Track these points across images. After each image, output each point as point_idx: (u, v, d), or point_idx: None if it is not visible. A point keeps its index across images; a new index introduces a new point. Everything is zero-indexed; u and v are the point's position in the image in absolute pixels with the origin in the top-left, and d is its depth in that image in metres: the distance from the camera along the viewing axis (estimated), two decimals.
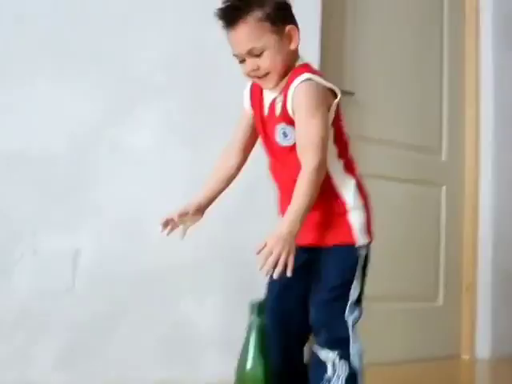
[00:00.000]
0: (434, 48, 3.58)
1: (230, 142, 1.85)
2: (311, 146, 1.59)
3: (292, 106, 1.65)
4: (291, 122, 1.66)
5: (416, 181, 3.40)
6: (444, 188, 3.59)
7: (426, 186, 3.48)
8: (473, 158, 3.62)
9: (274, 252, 1.48)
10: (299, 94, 1.63)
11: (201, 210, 1.79)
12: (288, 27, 1.68)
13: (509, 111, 3.58)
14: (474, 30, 3.62)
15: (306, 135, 1.61)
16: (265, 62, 1.67)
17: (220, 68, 2.51)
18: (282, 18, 1.68)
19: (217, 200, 1.81)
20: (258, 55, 1.66)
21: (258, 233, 1.61)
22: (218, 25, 1.66)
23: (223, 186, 1.82)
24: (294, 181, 1.58)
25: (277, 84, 1.68)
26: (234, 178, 1.82)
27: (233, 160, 1.83)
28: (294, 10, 1.72)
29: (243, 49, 1.67)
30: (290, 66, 1.68)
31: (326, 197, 1.65)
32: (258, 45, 1.65)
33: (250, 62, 1.67)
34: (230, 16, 1.66)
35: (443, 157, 3.62)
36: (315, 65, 1.96)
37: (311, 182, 1.57)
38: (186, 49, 2.67)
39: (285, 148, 1.69)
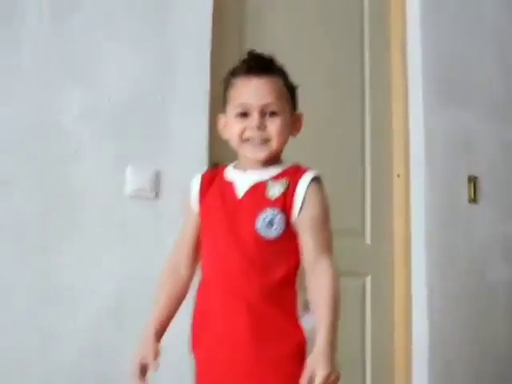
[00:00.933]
0: (354, 101, 3.12)
1: (175, 249, 1.72)
2: (328, 252, 1.56)
3: (303, 200, 1.58)
4: (287, 213, 1.57)
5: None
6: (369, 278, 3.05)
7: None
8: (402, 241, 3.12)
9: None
10: (317, 193, 1.60)
11: (158, 344, 1.66)
12: (299, 113, 1.69)
13: (441, 181, 3.14)
14: (402, 89, 3.21)
15: (323, 240, 1.57)
16: (274, 126, 1.63)
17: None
18: (296, 99, 1.69)
19: None
20: (271, 114, 1.62)
21: None
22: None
23: (175, 308, 1.69)
24: (248, 282, 1.54)
25: (266, 159, 1.63)
26: (186, 294, 1.69)
27: (183, 271, 1.70)
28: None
29: (261, 100, 1.62)
30: (279, 153, 1.65)
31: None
32: (277, 103, 1.62)
33: (258, 119, 1.61)
34: (264, 64, 1.64)
35: (367, 240, 3.09)
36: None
37: (336, 288, 1.53)
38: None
39: (260, 240, 1.57)
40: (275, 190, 1.60)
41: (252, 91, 1.62)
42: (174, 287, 1.68)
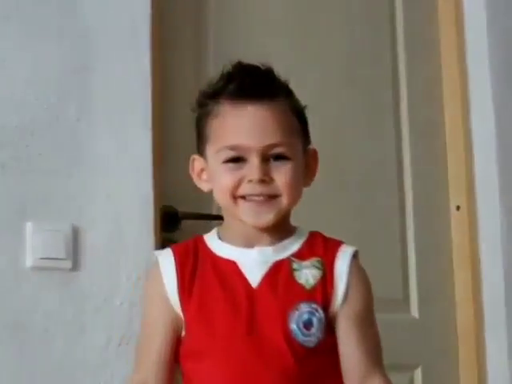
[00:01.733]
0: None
1: (138, 366, 1.46)
2: (380, 364, 1.40)
3: (347, 289, 1.39)
4: (326, 309, 1.37)
5: None
6: None
7: None
8: None
9: None
10: (362, 277, 1.42)
11: None
12: (312, 148, 1.45)
13: None
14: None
15: (373, 347, 1.40)
16: (284, 175, 1.37)
17: None
18: (307, 128, 1.45)
19: None
20: (278, 157, 1.37)
21: None
22: None
23: None
24: None
25: (274, 225, 1.39)
26: None
27: None
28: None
29: (263, 139, 1.36)
30: (289, 214, 1.43)
31: None
32: (286, 142, 1.37)
33: (260, 167, 1.35)
34: (263, 82, 1.39)
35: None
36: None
37: None
38: None
39: (298, 348, 1.34)
40: (308, 276, 1.41)
41: (249, 126, 1.40)
42: None
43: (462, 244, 2.50)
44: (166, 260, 1.46)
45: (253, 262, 1.42)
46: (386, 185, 2.40)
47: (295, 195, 1.42)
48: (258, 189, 1.40)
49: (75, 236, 1.89)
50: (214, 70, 2.13)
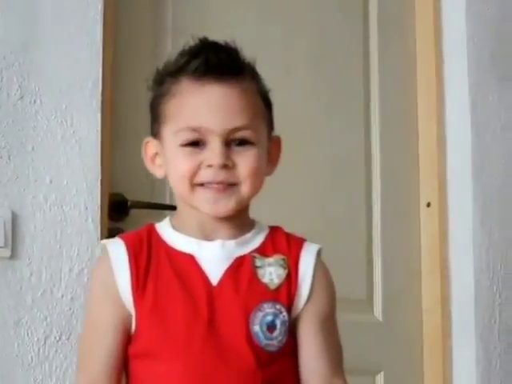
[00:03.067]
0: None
1: (83, 371, 1.40)
2: (342, 371, 1.38)
3: (311, 290, 1.35)
4: (289, 310, 1.34)
5: None
6: None
7: None
8: None
9: None
10: (327, 277, 1.39)
11: None
12: (276, 136, 1.40)
13: None
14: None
15: (336, 351, 1.37)
16: (247, 162, 1.31)
17: None
18: (272, 113, 1.40)
19: None
20: (241, 142, 1.31)
21: None
22: None
23: None
24: None
25: (234, 216, 1.33)
26: None
27: None
28: None
29: (227, 122, 1.30)
30: (249, 204, 1.39)
31: None
32: (252, 126, 1.31)
33: (222, 152, 1.30)
34: (230, 60, 1.33)
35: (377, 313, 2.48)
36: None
37: None
38: None
39: (260, 353, 1.30)
40: (272, 274, 1.35)
41: (211, 107, 1.33)
42: None
43: (432, 243, 2.48)
44: (117, 251, 1.38)
45: (213, 257, 1.36)
46: (353, 178, 2.38)
47: (257, 184, 1.36)
48: (218, 175, 1.33)
49: (14, 222, 1.86)
50: (172, 46, 2.12)
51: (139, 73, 2.01)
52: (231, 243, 1.36)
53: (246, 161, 1.33)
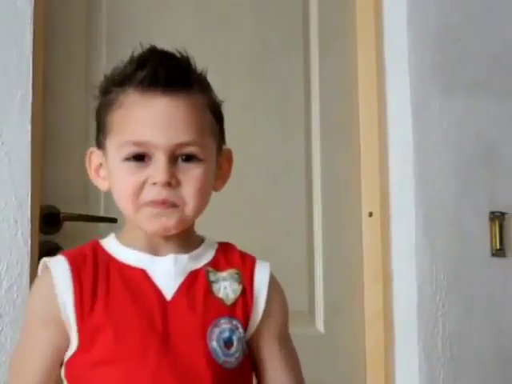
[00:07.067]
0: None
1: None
2: (303, 378, 1.41)
3: (267, 304, 1.34)
4: (244, 324, 1.33)
5: None
6: None
7: None
8: None
9: None
10: (281, 292, 1.39)
11: None
12: (227, 149, 1.38)
13: None
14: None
15: (296, 366, 1.38)
16: (192, 180, 1.28)
17: None
18: (223, 125, 1.37)
19: None
20: (188, 158, 1.28)
21: None
22: None
23: None
24: None
25: (180, 232, 1.31)
26: None
27: None
28: None
29: (173, 137, 1.26)
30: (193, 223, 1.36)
31: None
32: (199, 142, 1.28)
33: (166, 168, 1.26)
34: (179, 71, 1.29)
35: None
36: None
37: None
38: None
39: (218, 369, 1.28)
40: (227, 289, 1.35)
41: (157, 121, 1.28)
42: None
43: (374, 254, 2.44)
44: (59, 269, 1.33)
45: (166, 271, 1.33)
46: (293, 188, 2.33)
47: (201, 204, 1.33)
48: (161, 193, 1.29)
49: None
50: (106, 54, 2.05)
51: (71, 82, 1.96)
52: (184, 257, 1.33)
53: (191, 180, 1.30)
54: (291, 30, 2.39)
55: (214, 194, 1.46)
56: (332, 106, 2.43)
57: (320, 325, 2.32)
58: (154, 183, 1.28)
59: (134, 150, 1.28)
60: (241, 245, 1.41)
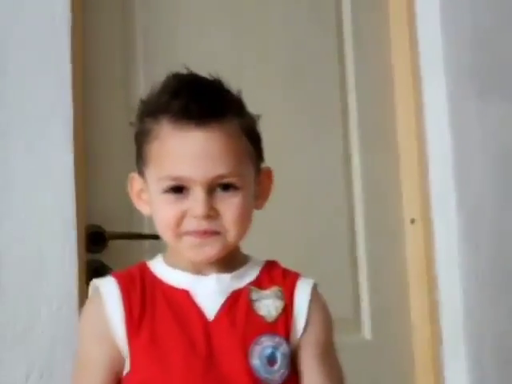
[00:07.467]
0: None
1: None
2: None
3: (307, 320, 1.33)
4: (287, 341, 1.32)
5: None
6: None
7: None
8: None
9: None
10: (324, 308, 1.37)
11: None
12: (266, 168, 1.37)
13: None
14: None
15: (339, 377, 1.37)
16: (231, 209, 1.28)
17: None
18: (261, 144, 1.35)
19: None
20: (226, 187, 1.28)
21: None
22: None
23: None
24: None
25: (223, 257, 1.31)
26: None
27: None
28: None
29: (209, 171, 1.26)
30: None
31: None
32: (236, 171, 1.27)
33: (205, 201, 1.26)
34: (212, 103, 1.27)
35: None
36: None
37: None
38: None
39: None
40: (270, 307, 1.34)
41: (192, 155, 1.27)
42: None
43: (417, 260, 2.42)
44: (109, 289, 1.35)
45: (208, 292, 1.34)
46: (334, 197, 2.32)
47: (243, 230, 1.34)
48: (202, 225, 1.31)
49: None
50: (143, 72, 2.07)
51: (111, 102, 1.97)
52: (226, 277, 1.33)
53: (230, 209, 1.30)
54: (325, 36, 2.37)
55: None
56: (369, 113, 2.42)
57: (367, 332, 2.31)
58: (194, 215, 1.30)
59: (172, 183, 1.29)
60: (283, 256, 1.40)
